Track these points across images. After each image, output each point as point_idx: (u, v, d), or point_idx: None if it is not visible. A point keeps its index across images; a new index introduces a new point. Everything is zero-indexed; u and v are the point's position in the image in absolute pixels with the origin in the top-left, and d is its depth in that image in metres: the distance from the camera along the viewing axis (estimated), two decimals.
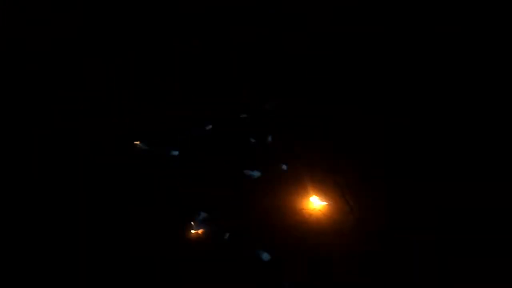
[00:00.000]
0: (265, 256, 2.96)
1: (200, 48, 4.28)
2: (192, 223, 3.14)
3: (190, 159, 3.53)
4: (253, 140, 3.63)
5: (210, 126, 3.72)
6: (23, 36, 4.21)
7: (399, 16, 4.26)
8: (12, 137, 3.68)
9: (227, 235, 3.06)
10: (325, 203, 3.26)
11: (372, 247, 3.00)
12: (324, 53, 4.17)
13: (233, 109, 3.87)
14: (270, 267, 2.90)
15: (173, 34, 4.35)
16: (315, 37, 4.25)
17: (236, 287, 2.85)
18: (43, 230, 3.10)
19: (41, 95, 3.94)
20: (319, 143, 3.64)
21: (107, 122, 3.80)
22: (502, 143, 3.57)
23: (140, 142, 3.56)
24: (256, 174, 3.40)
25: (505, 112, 3.77)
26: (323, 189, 3.33)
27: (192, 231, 3.11)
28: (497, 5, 4.19)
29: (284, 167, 3.47)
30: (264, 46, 4.26)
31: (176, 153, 3.54)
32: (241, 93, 4.03)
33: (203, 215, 3.17)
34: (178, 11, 4.44)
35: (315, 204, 3.26)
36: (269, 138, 3.65)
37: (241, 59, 4.23)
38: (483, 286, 2.81)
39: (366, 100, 3.94)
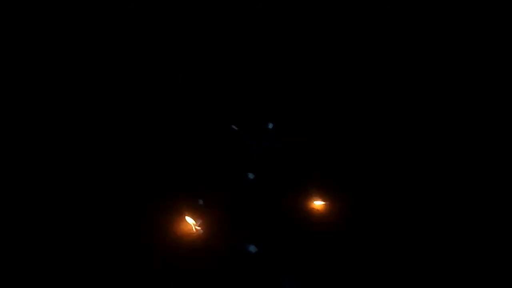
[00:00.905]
0: (252, 248, 2.93)
1: (200, 49, 4.30)
2: (191, 220, 3.15)
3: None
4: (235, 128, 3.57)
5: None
6: (23, 35, 4.22)
7: (399, 16, 4.27)
8: (12, 137, 3.69)
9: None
10: (324, 202, 3.27)
11: (371, 247, 3.01)
12: (324, 53, 4.18)
13: (233, 108, 3.89)
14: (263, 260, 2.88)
15: (173, 33, 4.36)
16: (315, 39, 4.26)
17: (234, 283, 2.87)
18: (43, 230, 3.11)
19: (41, 95, 3.95)
20: (318, 143, 3.65)
21: (107, 122, 3.81)
22: (502, 143, 3.57)
23: None
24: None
25: (506, 113, 3.77)
26: (322, 189, 3.34)
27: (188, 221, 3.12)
28: (497, 5, 4.19)
29: (251, 175, 3.38)
30: (264, 46, 4.27)
31: None
32: (241, 91, 4.04)
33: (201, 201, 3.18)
34: (178, 11, 4.45)
35: (314, 203, 3.27)
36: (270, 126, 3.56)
37: (240, 59, 4.24)
38: None
39: (366, 100, 3.94)
